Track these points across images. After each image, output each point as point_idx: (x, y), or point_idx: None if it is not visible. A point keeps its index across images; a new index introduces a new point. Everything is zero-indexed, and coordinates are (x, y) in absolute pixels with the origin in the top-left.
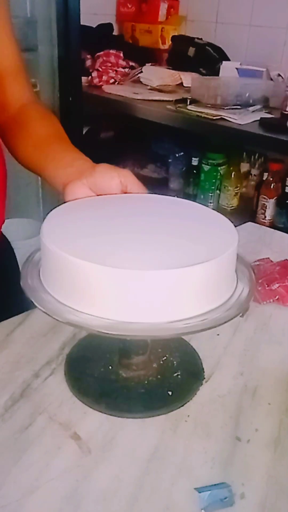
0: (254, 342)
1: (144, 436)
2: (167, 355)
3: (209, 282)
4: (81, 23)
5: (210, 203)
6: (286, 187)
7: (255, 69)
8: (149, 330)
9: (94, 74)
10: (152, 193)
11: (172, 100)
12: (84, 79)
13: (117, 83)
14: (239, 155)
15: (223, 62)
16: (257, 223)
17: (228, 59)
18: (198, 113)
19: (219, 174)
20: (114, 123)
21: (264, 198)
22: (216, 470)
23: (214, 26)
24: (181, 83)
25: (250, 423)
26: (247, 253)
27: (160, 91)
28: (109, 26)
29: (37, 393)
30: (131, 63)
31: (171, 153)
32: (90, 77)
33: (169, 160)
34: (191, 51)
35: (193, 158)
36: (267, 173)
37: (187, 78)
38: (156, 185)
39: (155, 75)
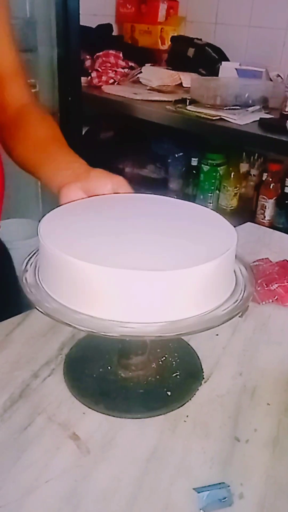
0: (253, 342)
1: (143, 436)
2: (166, 356)
3: (208, 283)
4: (81, 23)
5: (210, 203)
6: (285, 188)
7: (255, 69)
8: (148, 331)
9: (94, 74)
10: (151, 194)
11: (171, 101)
12: (83, 79)
13: (117, 84)
14: (239, 155)
15: (223, 62)
16: (257, 224)
17: (227, 60)
18: (197, 114)
19: (218, 174)
20: (113, 123)
21: (264, 198)
22: (215, 470)
23: (213, 26)
24: (181, 84)
25: (249, 423)
26: (246, 253)
27: (159, 91)
28: (108, 26)
29: (36, 393)
30: (130, 64)
31: (171, 153)
32: (89, 77)
33: (169, 161)
34: (191, 51)
35: (192, 159)
36: (266, 174)
37: (187, 79)
38: (155, 186)
39: (155, 75)
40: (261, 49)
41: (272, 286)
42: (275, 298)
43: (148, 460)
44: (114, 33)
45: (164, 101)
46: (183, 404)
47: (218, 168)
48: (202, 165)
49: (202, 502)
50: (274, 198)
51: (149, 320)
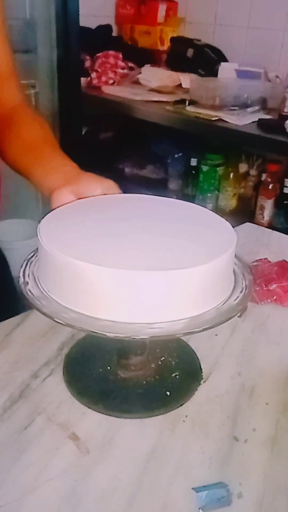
0: (252, 342)
1: (142, 436)
2: (165, 356)
3: (208, 283)
4: (81, 24)
5: (209, 203)
6: (284, 188)
7: (253, 70)
8: (147, 331)
9: (93, 75)
10: (150, 194)
11: (171, 101)
12: (83, 80)
13: (116, 84)
14: (238, 156)
15: (222, 63)
16: (255, 224)
17: (226, 61)
18: (196, 114)
19: (217, 174)
20: (113, 124)
21: (262, 198)
22: (214, 469)
23: (212, 27)
24: (180, 84)
25: (248, 423)
26: (245, 254)
27: (159, 92)
28: (108, 27)
29: (36, 393)
30: (130, 64)
31: (170, 154)
32: (89, 78)
33: (168, 161)
34: (190, 52)
35: (191, 159)
36: (265, 174)
37: (186, 79)
38: (155, 186)
39: (154, 76)
40: (260, 50)
41: (270, 286)
42: (274, 298)
43: (147, 459)
44: (114, 34)
45: (164, 101)
46: (182, 404)
47: (217, 169)
48: (201, 165)
49: (201, 502)
50: (273, 199)
51: (148, 320)
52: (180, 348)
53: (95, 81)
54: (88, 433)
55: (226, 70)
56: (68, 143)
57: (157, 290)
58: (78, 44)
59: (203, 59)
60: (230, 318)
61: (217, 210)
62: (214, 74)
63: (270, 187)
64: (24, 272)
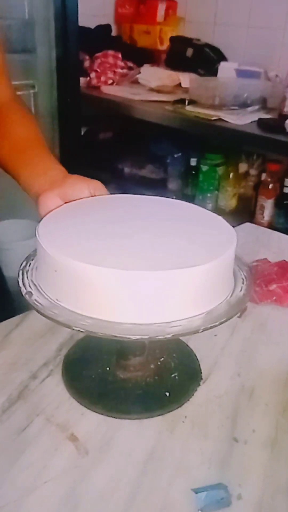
0: (251, 343)
1: (142, 437)
2: (164, 356)
3: (208, 283)
4: (80, 24)
5: (209, 203)
6: (284, 188)
7: (253, 69)
8: (147, 331)
9: (93, 75)
10: (150, 194)
11: (170, 101)
12: (82, 80)
13: (116, 84)
14: (237, 155)
15: (221, 63)
16: (255, 224)
17: (226, 60)
18: (196, 114)
19: (217, 174)
20: (112, 124)
21: (262, 198)
22: (213, 470)
23: (212, 27)
24: (180, 84)
25: (247, 424)
26: (245, 254)
27: (158, 91)
28: (107, 27)
29: (34, 394)
30: (129, 64)
31: (170, 153)
32: (88, 78)
33: (168, 161)
34: (189, 52)
35: (191, 159)
36: (265, 174)
37: (186, 79)
38: (154, 186)
39: (154, 76)
40: (260, 50)
41: (270, 286)
42: (274, 298)
43: (147, 460)
44: (113, 33)
45: (163, 101)
46: (182, 405)
47: (217, 168)
48: (201, 165)
49: (201, 503)
50: (273, 198)
51: (147, 320)
52: (179, 348)
53: (94, 81)
54: (87, 434)
55: (225, 69)
56: (68, 143)
57: (155, 290)
58: (77, 44)
59: (202, 58)
60: (230, 319)
61: (217, 210)
62: (214, 73)
63: (270, 187)
64: (23, 282)
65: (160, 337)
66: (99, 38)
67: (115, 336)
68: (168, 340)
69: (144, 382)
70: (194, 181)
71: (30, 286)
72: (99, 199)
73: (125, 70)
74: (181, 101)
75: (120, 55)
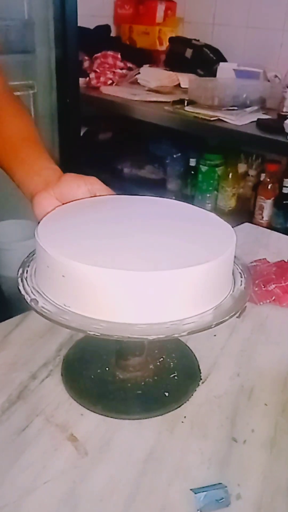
0: (250, 343)
1: (141, 437)
2: (163, 356)
3: (207, 283)
4: (79, 25)
5: (208, 203)
6: (283, 188)
7: (252, 70)
8: (146, 332)
9: (92, 75)
10: (149, 195)
11: (169, 101)
12: (82, 80)
13: (115, 85)
14: (237, 156)
15: (220, 63)
16: (254, 224)
17: (225, 61)
18: (195, 114)
19: (216, 175)
20: (112, 124)
21: (261, 199)
22: (212, 471)
23: (211, 27)
24: (179, 84)
25: (246, 424)
26: (244, 254)
27: (157, 92)
28: (106, 27)
29: (34, 394)
30: (128, 65)
31: (169, 154)
32: (88, 78)
33: (167, 161)
34: (189, 52)
35: (190, 159)
36: (264, 174)
37: (185, 79)
38: (154, 186)
39: (153, 76)
40: (259, 50)
41: (269, 286)
42: (273, 298)
43: (146, 461)
44: (112, 34)
45: (162, 102)
46: (181, 405)
47: (216, 169)
48: (200, 165)
49: (200, 503)
50: (272, 199)
51: (146, 321)
52: (178, 349)
53: (93, 82)
54: (86, 434)
55: (224, 70)
56: (67, 144)
57: (155, 290)
58: (76, 45)
59: (201, 59)
60: (229, 319)
61: (216, 210)
62: (213, 74)
63: (269, 187)
64: (25, 289)
65: (176, 335)
66: (98, 39)
67: (132, 337)
68: (168, 340)
69: (143, 382)
70: (193, 181)
71: (33, 293)
72: (98, 199)
73: (124, 71)
74: (180, 102)
75: (119, 56)
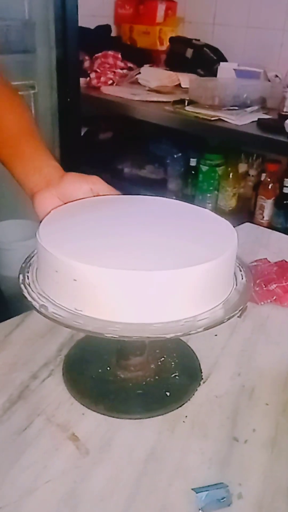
0: (251, 343)
1: (142, 437)
2: (164, 356)
3: (208, 283)
4: (79, 24)
5: (208, 203)
6: (284, 188)
7: (253, 70)
8: (147, 331)
9: (92, 75)
10: (150, 195)
11: (170, 101)
12: (82, 80)
13: (115, 84)
14: (237, 155)
15: (221, 63)
16: (255, 224)
17: (225, 60)
18: (196, 114)
19: (217, 174)
20: (112, 124)
21: (262, 198)
22: (214, 470)
23: (211, 27)
24: (179, 84)
25: (247, 424)
26: (245, 254)
27: (158, 92)
28: (107, 27)
29: (35, 394)
30: (129, 64)
31: (169, 154)
32: (88, 78)
33: (167, 161)
34: (189, 52)
35: (191, 159)
36: (264, 174)
37: (185, 79)
38: (154, 186)
39: (153, 76)
40: (259, 50)
41: (270, 286)
42: (274, 298)
43: (147, 460)
44: (113, 34)
45: (163, 101)
46: (182, 405)
47: (217, 169)
48: (201, 165)
49: (201, 503)
50: (272, 198)
51: (148, 320)
52: (179, 348)
53: (94, 82)
54: (87, 434)
55: (225, 70)
56: (68, 144)
57: (155, 290)
58: (77, 45)
59: (202, 59)
60: (230, 319)
61: (217, 210)
62: (213, 74)
63: (269, 187)
64: (30, 295)
65: (193, 332)
66: (99, 39)
67: (151, 337)
68: (169, 339)
69: (144, 382)
70: (193, 181)
71: (40, 299)
72: (98, 199)
73: (125, 71)
74: (181, 102)
75: (119, 56)
